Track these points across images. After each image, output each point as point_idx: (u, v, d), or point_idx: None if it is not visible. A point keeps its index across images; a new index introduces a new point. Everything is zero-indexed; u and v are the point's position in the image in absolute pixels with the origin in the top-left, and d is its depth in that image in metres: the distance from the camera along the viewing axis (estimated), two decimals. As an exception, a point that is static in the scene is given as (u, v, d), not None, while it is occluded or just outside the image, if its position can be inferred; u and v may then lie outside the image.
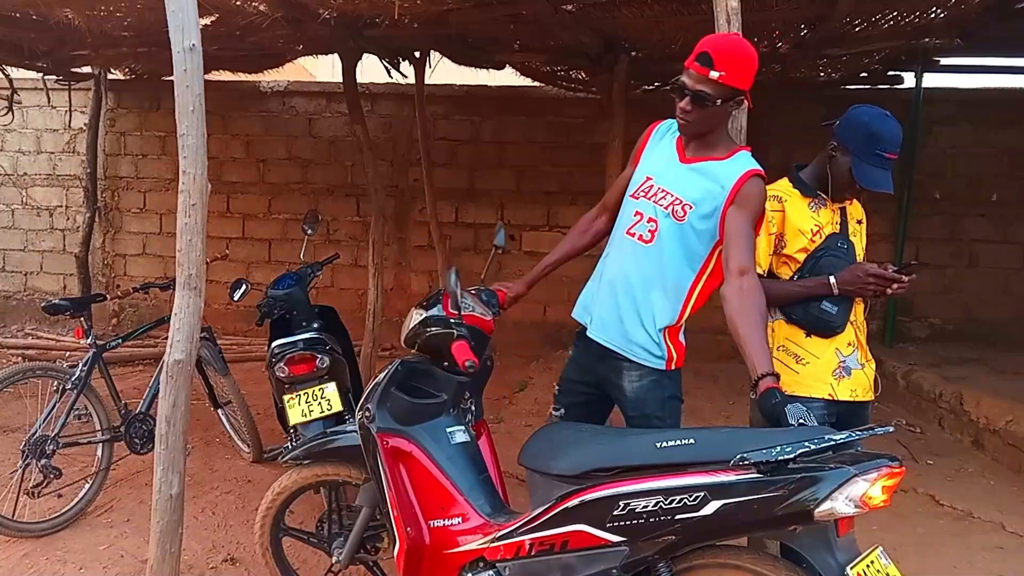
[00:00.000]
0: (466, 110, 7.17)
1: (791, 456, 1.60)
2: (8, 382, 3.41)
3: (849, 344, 2.39)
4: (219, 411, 4.26)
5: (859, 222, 2.50)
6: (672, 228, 2.21)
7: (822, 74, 6.11)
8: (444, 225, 6.80)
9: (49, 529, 3.36)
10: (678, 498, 1.70)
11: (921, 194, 6.68)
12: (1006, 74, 6.70)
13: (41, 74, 6.53)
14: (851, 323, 2.39)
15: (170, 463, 2.59)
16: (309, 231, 4.02)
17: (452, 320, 2.24)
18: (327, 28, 4.42)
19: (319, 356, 3.31)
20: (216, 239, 6.72)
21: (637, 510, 1.75)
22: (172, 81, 2.47)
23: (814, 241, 2.37)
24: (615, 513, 1.78)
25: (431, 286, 7.21)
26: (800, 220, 2.37)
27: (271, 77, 6.97)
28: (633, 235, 2.27)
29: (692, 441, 1.77)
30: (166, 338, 2.60)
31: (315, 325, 3.50)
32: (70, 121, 7.33)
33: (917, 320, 6.96)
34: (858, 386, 2.39)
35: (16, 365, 4.85)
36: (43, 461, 3.34)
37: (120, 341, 3.85)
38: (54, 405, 3.43)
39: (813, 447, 1.60)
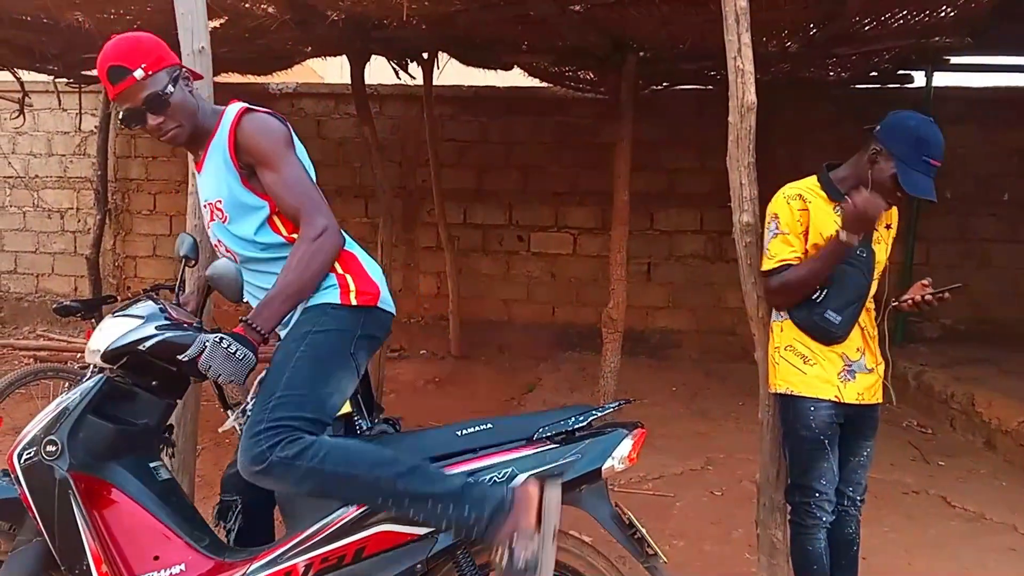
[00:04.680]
0: (474, 111, 7.18)
1: (584, 424, 1.88)
2: (20, 383, 3.44)
3: (858, 349, 2.37)
4: (229, 412, 4.26)
5: (887, 227, 2.45)
6: (230, 233, 2.04)
7: (831, 73, 6.08)
8: (452, 226, 6.81)
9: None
10: (487, 477, 1.82)
11: (931, 193, 6.62)
12: (1017, 73, 6.67)
13: (52, 77, 6.57)
14: (860, 327, 2.37)
15: (180, 464, 2.61)
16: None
17: (194, 326, 1.93)
18: (335, 30, 4.43)
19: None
20: (225, 240, 6.72)
21: None
22: (182, 83, 2.48)
23: None
24: None
25: (439, 287, 7.22)
26: (823, 223, 2.33)
27: (280, 79, 6.99)
28: (232, 257, 2.08)
29: (490, 426, 1.92)
30: (176, 339, 2.62)
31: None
32: (80, 123, 7.38)
33: (928, 320, 6.91)
34: (865, 389, 2.37)
35: (28, 367, 4.90)
36: (54, 462, 3.35)
37: (130, 342, 3.85)
38: (65, 406, 3.44)
39: (599, 413, 1.93)
